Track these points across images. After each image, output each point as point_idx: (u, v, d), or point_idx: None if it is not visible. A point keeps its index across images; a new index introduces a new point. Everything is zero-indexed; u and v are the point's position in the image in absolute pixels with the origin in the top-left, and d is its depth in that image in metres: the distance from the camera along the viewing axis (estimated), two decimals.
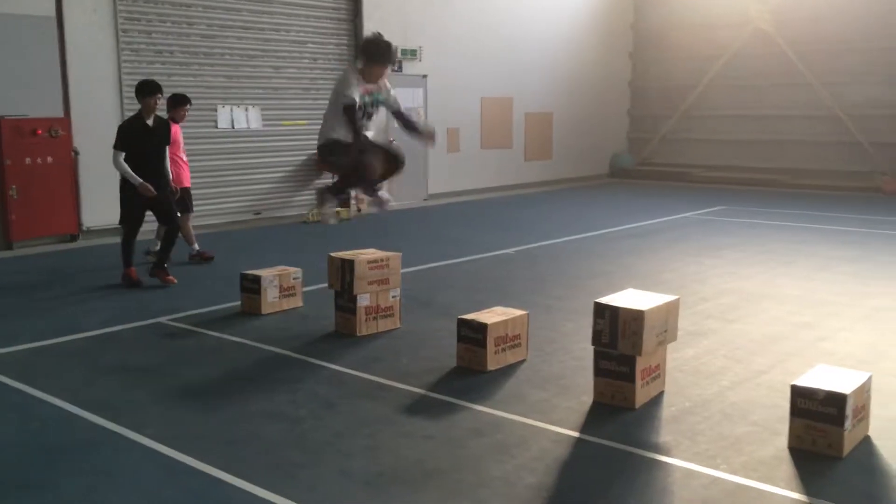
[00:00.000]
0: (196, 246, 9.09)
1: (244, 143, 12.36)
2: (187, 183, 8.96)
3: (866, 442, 4.14)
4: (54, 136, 10.16)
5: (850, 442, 3.99)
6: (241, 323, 6.53)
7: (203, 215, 11.72)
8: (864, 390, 4.14)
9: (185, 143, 11.63)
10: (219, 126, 12.03)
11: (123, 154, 7.54)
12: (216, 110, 11.99)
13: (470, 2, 15.46)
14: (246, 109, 12.24)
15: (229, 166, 12.14)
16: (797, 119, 17.17)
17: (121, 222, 7.96)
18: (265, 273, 6.85)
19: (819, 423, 3.95)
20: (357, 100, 6.01)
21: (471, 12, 15.46)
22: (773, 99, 17.46)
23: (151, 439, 4.19)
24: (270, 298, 6.77)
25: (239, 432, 4.32)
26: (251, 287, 6.79)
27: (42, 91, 10.19)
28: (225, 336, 6.15)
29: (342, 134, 6.07)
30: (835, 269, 8.51)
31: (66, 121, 10.36)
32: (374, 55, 6.18)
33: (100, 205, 10.81)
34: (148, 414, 4.58)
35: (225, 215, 12.02)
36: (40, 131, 10.04)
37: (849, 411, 3.92)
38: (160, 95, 7.71)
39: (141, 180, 7.52)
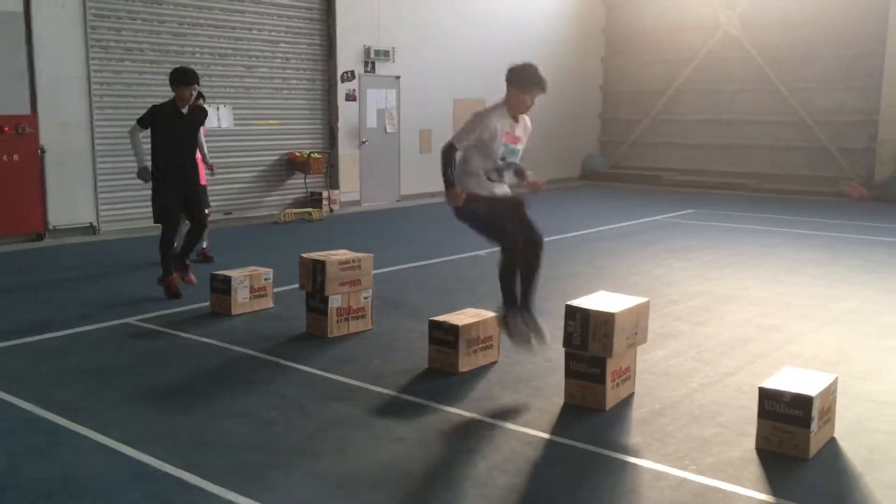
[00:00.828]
0: (205, 244, 8.89)
1: (215, 143, 12.20)
2: (203, 181, 8.37)
3: (832, 443, 4.20)
4: (21, 133, 10.01)
5: (816, 443, 4.04)
6: (211, 323, 6.46)
7: None
8: (830, 392, 4.19)
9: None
10: None
11: (142, 131, 7.08)
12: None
13: (443, 3, 15.46)
14: (217, 109, 12.13)
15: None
16: (765, 124, 17.38)
17: (155, 221, 7.42)
18: (235, 273, 6.80)
19: (786, 424, 4.00)
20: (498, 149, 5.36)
21: (444, 13, 15.46)
22: (741, 104, 17.66)
23: (117, 441, 4.13)
24: (241, 299, 6.72)
25: (207, 434, 4.27)
26: (221, 287, 6.72)
27: (8, 88, 10.02)
28: (194, 337, 6.09)
29: (482, 186, 5.39)
30: (802, 273, 8.62)
31: (32, 118, 10.20)
32: (522, 79, 5.62)
33: (66, 203, 10.67)
34: (114, 415, 4.52)
35: None
36: (7, 129, 9.88)
37: (815, 413, 3.96)
38: (196, 86, 7.23)
39: (144, 164, 7.07)
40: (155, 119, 7.12)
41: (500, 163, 5.46)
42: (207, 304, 6.87)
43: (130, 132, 7.19)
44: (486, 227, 5.46)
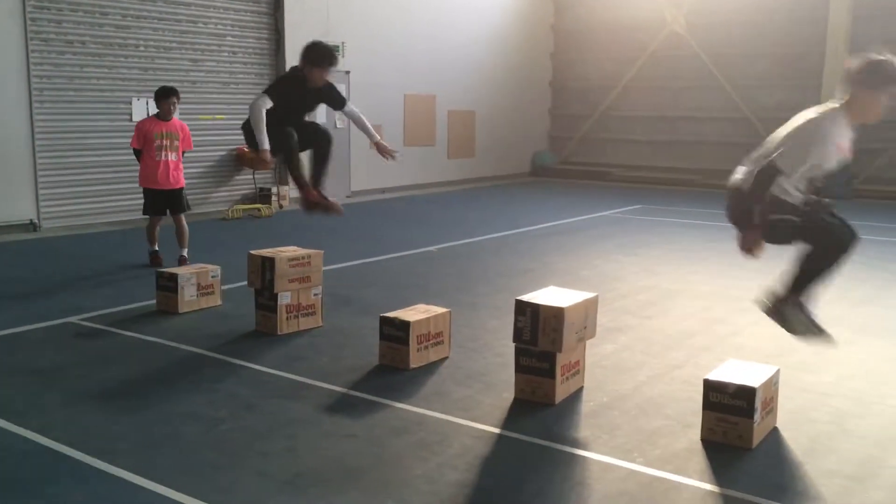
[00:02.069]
0: (156, 247, 8.47)
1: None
2: (183, 183, 8.52)
3: (774, 433, 4.30)
4: None
5: (759, 433, 4.14)
6: (157, 322, 6.36)
7: (117, 211, 11.38)
8: (772, 383, 4.30)
9: (98, 137, 11.34)
10: (133, 119, 11.64)
11: (270, 103, 6.08)
12: (131, 103, 11.63)
13: None
14: None
15: None
16: (710, 121, 17.71)
17: (277, 151, 6.33)
18: (182, 271, 6.70)
19: (730, 415, 4.09)
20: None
21: (394, 8, 15.41)
22: (687, 101, 17.97)
23: (59, 443, 4.04)
24: (188, 297, 6.62)
25: (154, 434, 4.20)
26: (167, 285, 6.61)
27: None
28: (140, 336, 5.98)
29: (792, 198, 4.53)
30: (745, 266, 8.76)
31: None
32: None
33: (4, 200, 10.37)
34: (56, 417, 4.41)
35: (139, 211, 11.65)
36: None
37: (758, 404, 4.06)
38: (331, 69, 6.30)
39: (265, 145, 6.08)
40: (283, 86, 6.45)
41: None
42: (153, 302, 6.75)
43: (253, 105, 6.15)
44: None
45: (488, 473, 3.84)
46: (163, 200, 8.37)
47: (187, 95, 12.25)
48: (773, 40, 16.69)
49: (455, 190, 16.70)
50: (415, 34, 15.88)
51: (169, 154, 8.30)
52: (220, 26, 12.71)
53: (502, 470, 3.89)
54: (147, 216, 8.54)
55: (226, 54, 12.84)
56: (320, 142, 6.68)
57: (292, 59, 13.59)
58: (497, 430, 4.32)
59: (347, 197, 14.87)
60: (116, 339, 5.91)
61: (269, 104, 6.09)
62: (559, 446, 4.12)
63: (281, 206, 13.24)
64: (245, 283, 6.24)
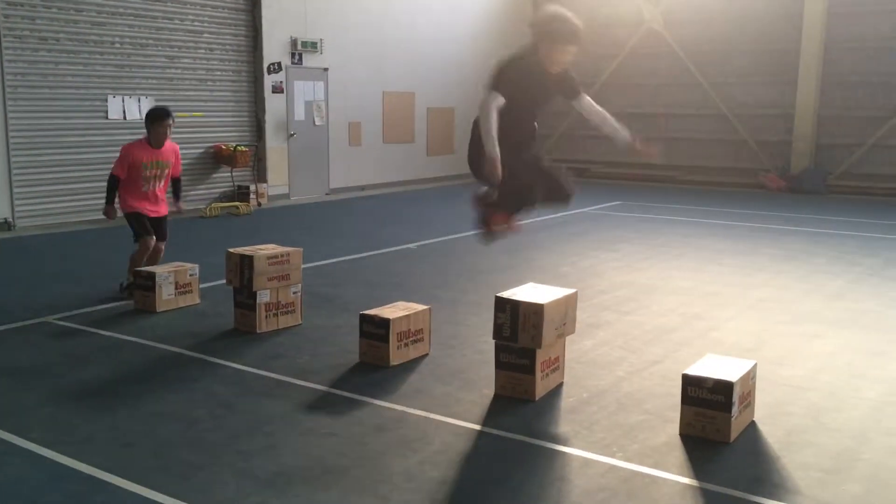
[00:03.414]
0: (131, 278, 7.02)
1: (137, 135, 11.83)
2: (167, 211, 7.38)
3: (752, 427, 4.34)
4: None
5: (736, 427, 4.17)
6: (135, 321, 6.30)
7: (93, 209, 11.27)
8: (750, 378, 4.34)
9: (73, 135, 11.21)
10: (109, 117, 11.57)
11: (500, 99, 4.70)
12: (107, 100, 11.52)
13: None
14: (138, 100, 11.81)
15: None
16: (688, 118, 17.81)
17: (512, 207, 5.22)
18: (160, 269, 6.65)
19: (708, 409, 4.12)
20: None
21: (373, 5, 15.37)
22: (665, 98, 18.06)
23: (36, 443, 4.00)
24: (165, 296, 6.57)
25: (131, 434, 4.17)
26: (145, 284, 6.57)
27: None
28: (117, 335, 5.93)
29: None
30: (722, 262, 8.88)
31: None
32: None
33: None
34: (33, 417, 4.37)
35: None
36: None
37: (735, 398, 4.10)
38: (575, 47, 4.83)
39: (495, 152, 4.59)
40: (511, 73, 4.84)
41: None
42: (131, 301, 6.69)
43: (482, 105, 4.82)
44: None
45: (469, 470, 3.85)
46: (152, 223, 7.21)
47: (164, 93, 12.19)
48: (749, 37, 16.82)
49: (435, 187, 16.69)
50: (393, 31, 15.85)
51: (157, 184, 7.15)
52: (196, 23, 12.61)
53: (483, 466, 3.90)
54: (139, 240, 7.08)
55: (202, 51, 12.75)
56: (559, 196, 5.11)
57: (270, 55, 13.57)
58: (477, 427, 4.33)
59: (326, 194, 14.82)
60: (93, 339, 5.86)
61: (501, 102, 4.69)
62: (539, 442, 4.14)
63: (259, 204, 13.18)
64: (223, 281, 6.21)
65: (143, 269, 6.70)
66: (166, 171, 7.19)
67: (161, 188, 7.24)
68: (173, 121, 7.16)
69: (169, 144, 7.18)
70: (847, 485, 3.71)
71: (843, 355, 5.63)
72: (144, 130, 7.14)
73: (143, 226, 7.07)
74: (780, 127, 16.68)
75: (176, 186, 7.42)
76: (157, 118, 7.06)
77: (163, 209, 7.28)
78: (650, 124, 18.29)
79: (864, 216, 12.60)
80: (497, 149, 4.55)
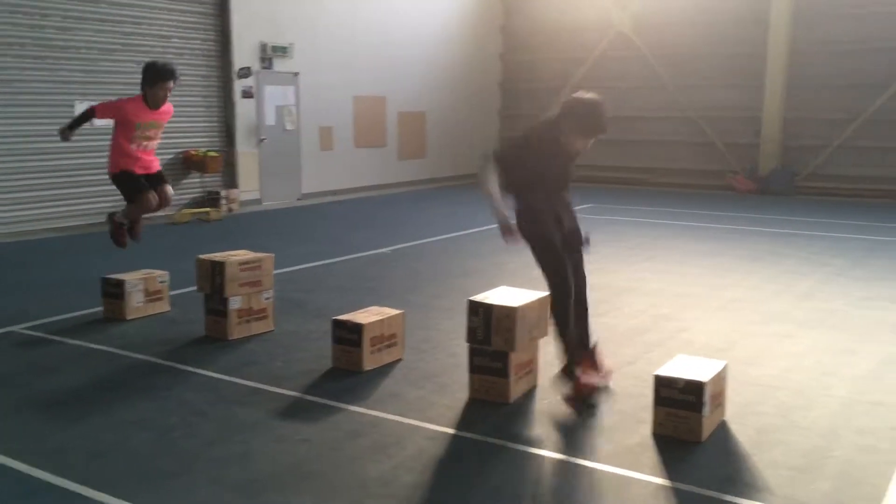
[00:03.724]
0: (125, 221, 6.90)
1: (104, 141, 11.67)
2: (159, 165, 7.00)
3: (723, 426, 4.39)
4: None
5: (708, 427, 4.22)
6: (104, 329, 6.23)
7: (61, 216, 11.12)
8: (720, 378, 4.39)
9: (39, 141, 11.05)
10: None
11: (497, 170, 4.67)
12: (73, 106, 11.36)
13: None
14: None
15: (88, 165, 11.52)
16: (657, 120, 17.98)
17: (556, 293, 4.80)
18: (129, 277, 6.57)
19: (680, 410, 4.16)
20: None
21: (343, 10, 15.34)
22: (635, 101, 18.21)
23: (4, 455, 3.93)
24: (135, 303, 6.50)
25: (103, 444, 4.12)
26: (114, 292, 6.49)
27: None
28: (86, 344, 5.85)
29: None
30: (692, 263, 8.97)
31: None
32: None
33: None
34: (1, 428, 4.29)
35: (84, 217, 11.42)
36: None
37: (706, 398, 4.14)
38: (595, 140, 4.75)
39: (504, 216, 4.67)
40: (529, 147, 4.74)
41: None
42: (99, 309, 6.61)
43: (480, 174, 4.79)
44: None
45: (443, 474, 3.85)
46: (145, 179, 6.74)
47: None
48: (717, 41, 17.02)
49: (406, 191, 16.68)
50: (364, 36, 15.83)
51: (148, 144, 6.69)
52: (164, 28, 12.50)
53: (457, 470, 3.90)
54: (136, 197, 6.66)
55: (171, 56, 12.59)
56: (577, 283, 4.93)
57: (240, 60, 13.49)
58: (452, 431, 4.33)
59: (298, 200, 14.76)
60: (62, 348, 5.77)
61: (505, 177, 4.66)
62: (514, 445, 4.15)
63: (230, 210, 13.08)
64: (194, 288, 6.16)
65: (111, 276, 6.60)
66: (160, 133, 6.72)
67: (151, 149, 6.75)
68: (175, 81, 6.57)
69: (165, 106, 6.65)
70: (817, 483, 3.76)
71: (813, 355, 5.71)
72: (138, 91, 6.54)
73: (137, 182, 6.55)
74: (748, 129, 16.90)
75: None
76: (161, 78, 6.41)
77: (154, 165, 6.78)
78: (621, 127, 18.44)
79: (831, 217, 12.79)
80: (501, 212, 4.69)
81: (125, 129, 6.55)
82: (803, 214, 13.11)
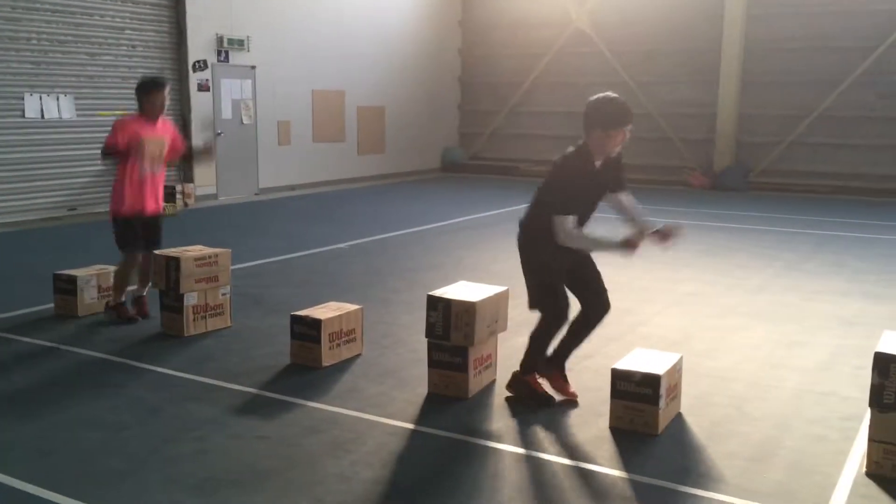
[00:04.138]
0: (123, 298, 6.32)
1: (56, 134, 11.53)
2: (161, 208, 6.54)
3: (678, 418, 4.44)
4: None
5: (664, 419, 4.27)
6: (56, 326, 6.10)
7: (11, 211, 10.86)
8: (676, 370, 4.44)
9: None
10: (26, 115, 11.15)
11: (572, 219, 4.63)
12: (23, 98, 11.11)
13: None
14: (57, 98, 11.43)
15: (39, 158, 11.28)
16: None
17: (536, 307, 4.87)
18: (82, 273, 6.44)
19: (636, 402, 4.20)
20: None
21: (301, 2, 15.20)
22: (593, 96, 18.34)
23: None
24: (88, 299, 6.37)
25: (54, 442, 4.03)
26: (66, 288, 6.36)
27: None
28: (37, 341, 5.72)
29: None
30: (649, 258, 9.02)
31: None
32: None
33: None
34: None
35: (35, 211, 11.17)
36: None
37: (662, 391, 4.19)
38: (630, 126, 4.75)
39: (616, 242, 4.70)
40: (576, 187, 4.70)
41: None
42: (51, 305, 6.47)
43: (563, 231, 4.66)
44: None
45: (403, 469, 3.84)
46: (143, 229, 6.27)
47: (84, 90, 11.83)
48: (673, 38, 17.22)
49: (365, 186, 16.61)
50: (322, 28, 15.70)
51: (157, 167, 6.23)
52: (117, 19, 12.26)
53: (417, 465, 3.89)
54: (125, 252, 6.25)
55: (124, 48, 12.40)
56: (598, 310, 4.94)
57: (195, 53, 13.29)
58: (411, 426, 4.32)
59: (255, 195, 14.60)
60: (11, 346, 5.64)
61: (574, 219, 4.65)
62: (473, 439, 4.15)
63: (186, 205, 12.89)
64: (149, 283, 6.05)
65: (63, 272, 6.47)
66: (165, 151, 6.27)
67: (160, 175, 6.33)
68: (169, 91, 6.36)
69: (162, 121, 6.29)
70: (770, 472, 3.83)
71: (766, 347, 5.82)
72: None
73: (132, 237, 6.18)
74: (704, 126, 17.14)
75: (188, 153, 6.80)
76: (155, 86, 6.19)
77: (160, 203, 6.38)
78: (579, 123, 18.57)
79: (783, 212, 13.03)
80: (614, 240, 4.66)
81: (134, 148, 6.08)
82: (757, 210, 13.33)
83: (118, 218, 6.22)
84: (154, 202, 6.31)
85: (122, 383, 4.91)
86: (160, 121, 6.25)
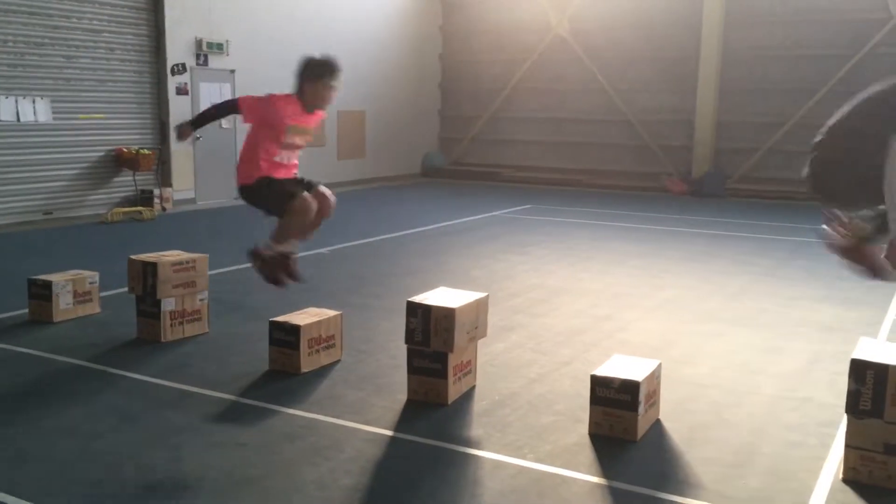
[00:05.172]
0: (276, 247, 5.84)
1: (32, 138, 11.39)
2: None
3: (657, 425, 4.46)
4: None
5: (643, 425, 4.27)
6: (30, 332, 6.01)
7: None
8: (655, 377, 4.45)
9: None
10: (1, 118, 11.02)
11: None
12: None
13: None
14: (33, 101, 11.30)
15: (14, 162, 11.15)
16: (594, 122, 18.23)
17: None
18: (57, 278, 6.36)
19: (615, 409, 4.21)
20: None
21: (281, 7, 15.15)
22: (572, 103, 18.44)
23: None
24: (63, 305, 6.29)
25: (27, 450, 3.97)
26: (41, 293, 6.27)
27: None
28: (10, 347, 5.64)
29: None
30: (629, 264, 9.10)
31: None
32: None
33: None
34: None
35: (10, 215, 11.03)
36: None
37: (641, 397, 4.20)
38: None
39: None
40: None
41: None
42: (25, 311, 6.38)
43: None
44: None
45: (382, 476, 3.82)
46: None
47: (61, 93, 11.71)
48: (651, 45, 17.34)
49: (346, 191, 16.52)
50: (301, 33, 15.63)
51: (292, 156, 5.55)
52: (95, 21, 12.15)
53: (396, 472, 3.87)
54: (284, 211, 5.52)
55: (102, 51, 12.29)
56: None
57: (174, 56, 13.20)
58: (390, 433, 4.30)
59: (234, 199, 14.49)
60: None
61: None
62: (452, 446, 4.14)
63: (164, 209, 12.79)
64: (126, 289, 5.99)
65: (38, 277, 6.37)
66: (305, 143, 5.57)
67: (294, 163, 5.57)
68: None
69: (319, 112, 5.58)
70: (748, 478, 3.84)
71: (743, 353, 5.85)
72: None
73: (284, 186, 5.32)
74: (682, 132, 17.25)
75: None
76: (329, 71, 5.39)
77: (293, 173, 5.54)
78: (559, 129, 18.65)
79: (760, 219, 13.14)
80: None
81: (273, 132, 5.33)
82: (733, 216, 13.44)
83: (250, 185, 5.44)
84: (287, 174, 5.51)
85: (97, 390, 4.85)
86: (318, 111, 5.54)
